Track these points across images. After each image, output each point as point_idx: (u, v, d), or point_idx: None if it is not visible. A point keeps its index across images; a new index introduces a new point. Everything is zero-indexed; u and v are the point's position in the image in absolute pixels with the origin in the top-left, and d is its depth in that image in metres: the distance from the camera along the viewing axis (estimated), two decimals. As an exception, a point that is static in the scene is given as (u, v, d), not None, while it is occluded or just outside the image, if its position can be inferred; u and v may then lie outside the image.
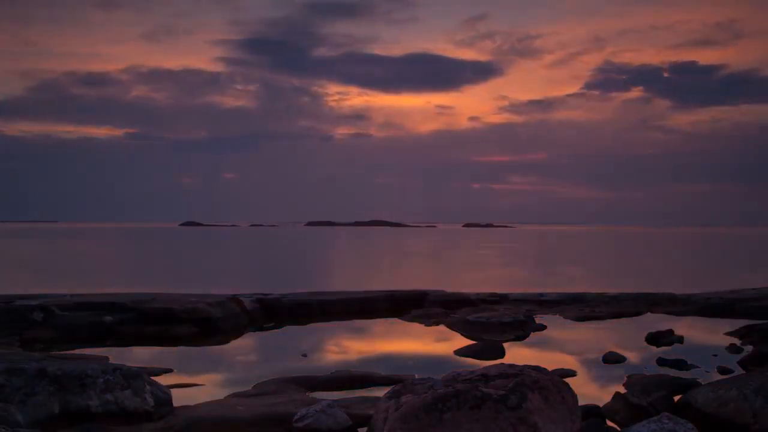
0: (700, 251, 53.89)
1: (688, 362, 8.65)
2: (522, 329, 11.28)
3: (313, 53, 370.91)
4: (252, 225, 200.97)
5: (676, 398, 6.36)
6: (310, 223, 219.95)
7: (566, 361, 8.91)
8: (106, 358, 8.22)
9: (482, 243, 72.48)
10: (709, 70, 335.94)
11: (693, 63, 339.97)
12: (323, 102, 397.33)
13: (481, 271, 30.82)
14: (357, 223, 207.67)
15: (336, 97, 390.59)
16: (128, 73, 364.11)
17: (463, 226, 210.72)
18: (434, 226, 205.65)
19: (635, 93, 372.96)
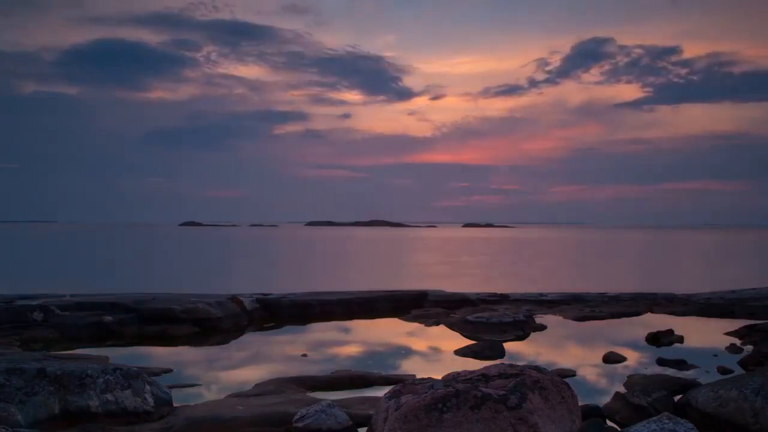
0: (699, 252, 53.88)
1: (688, 362, 8.66)
2: (522, 329, 11.28)
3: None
4: (252, 225, 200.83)
5: (676, 398, 6.36)
6: (310, 223, 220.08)
7: (566, 361, 8.92)
8: (106, 358, 8.23)
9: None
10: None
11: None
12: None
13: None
14: (357, 223, 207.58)
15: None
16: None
17: (463, 226, 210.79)
18: (434, 226, 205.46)
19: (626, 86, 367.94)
